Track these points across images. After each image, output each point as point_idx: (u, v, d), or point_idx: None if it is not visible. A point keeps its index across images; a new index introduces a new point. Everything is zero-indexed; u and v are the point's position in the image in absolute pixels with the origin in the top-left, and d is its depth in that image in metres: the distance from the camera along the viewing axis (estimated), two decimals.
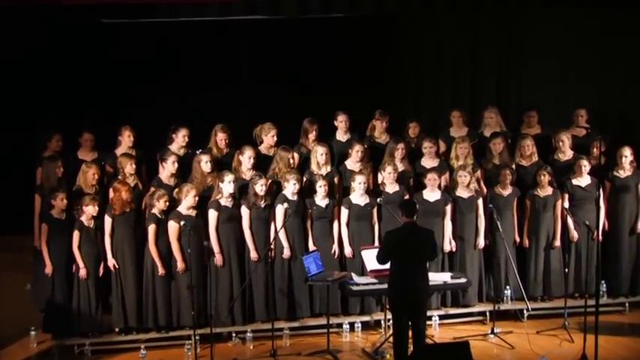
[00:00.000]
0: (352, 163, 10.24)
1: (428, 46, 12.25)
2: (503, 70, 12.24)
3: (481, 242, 10.18)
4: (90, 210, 9.48)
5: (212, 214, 9.67)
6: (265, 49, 11.61)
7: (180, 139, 10.12)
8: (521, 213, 10.33)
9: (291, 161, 10.02)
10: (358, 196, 9.95)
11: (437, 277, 9.25)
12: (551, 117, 11.27)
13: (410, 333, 8.35)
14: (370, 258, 9.11)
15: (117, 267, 9.50)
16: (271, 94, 11.50)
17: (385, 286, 8.62)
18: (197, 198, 9.56)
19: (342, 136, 10.53)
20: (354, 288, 9.18)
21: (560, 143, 10.56)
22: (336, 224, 9.96)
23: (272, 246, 9.66)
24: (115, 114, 10.86)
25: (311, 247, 9.85)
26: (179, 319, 9.63)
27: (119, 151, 10.12)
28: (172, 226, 9.51)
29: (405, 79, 12.26)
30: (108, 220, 9.50)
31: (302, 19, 10.94)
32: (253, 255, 9.73)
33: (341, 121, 10.47)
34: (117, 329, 9.56)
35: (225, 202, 9.69)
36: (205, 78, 11.39)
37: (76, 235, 9.45)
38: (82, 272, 9.46)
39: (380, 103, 10.94)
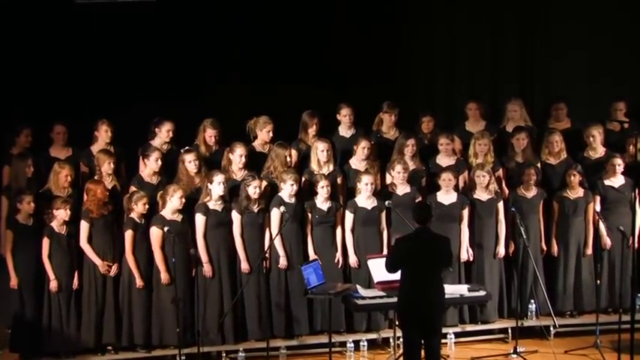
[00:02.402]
0: (357, 161, 10.17)
1: (442, 31, 12.19)
2: (528, 58, 12.18)
3: (502, 250, 10.12)
4: (61, 214, 9.37)
5: (200, 219, 9.60)
6: (259, 34, 11.50)
7: (163, 134, 10.07)
8: (547, 217, 10.27)
9: (289, 159, 9.94)
10: (364, 198, 9.87)
11: (453, 290, 9.14)
12: (581, 110, 11.24)
13: (422, 353, 8.25)
14: (377, 268, 9.04)
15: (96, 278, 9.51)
16: (266, 84, 11.35)
17: (394, 299, 8.53)
18: (184, 200, 9.49)
19: (345, 131, 10.48)
20: (360, 302, 9.10)
21: (591, 139, 10.50)
22: (339, 230, 9.93)
23: (267, 255, 9.56)
24: (90, 106, 10.69)
25: (311, 255, 9.79)
26: (162, 337, 9.54)
27: (95, 148, 10.02)
28: (155, 233, 9.45)
29: (416, 68, 12.13)
30: (85, 226, 9.43)
31: None
32: (244, 266, 9.68)
33: (344, 115, 10.43)
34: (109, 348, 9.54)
35: (215, 205, 9.64)
36: (192, 66, 11.24)
37: (45, 242, 9.36)
38: (53, 285, 9.37)
39: (388, 95, 10.86)
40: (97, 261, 9.41)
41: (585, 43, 11.99)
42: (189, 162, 9.73)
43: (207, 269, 9.57)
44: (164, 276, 9.40)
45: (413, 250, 8.20)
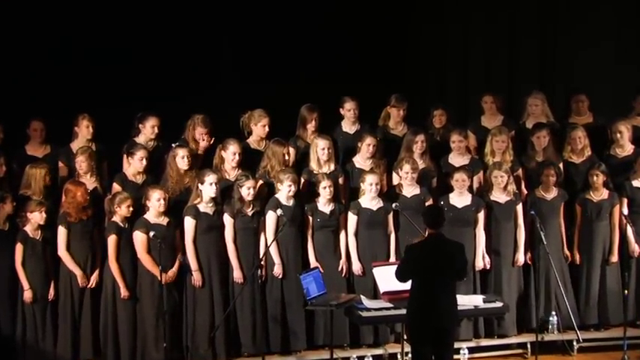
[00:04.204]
0: (362, 159, 10.08)
1: (456, 17, 12.16)
2: (549, 48, 12.13)
3: (521, 257, 10.01)
4: (36, 217, 9.25)
5: (189, 223, 9.49)
6: (254, 21, 11.46)
7: (148, 130, 9.99)
8: (570, 221, 10.20)
9: (286, 157, 9.86)
10: (369, 199, 9.77)
11: (467, 301, 9.03)
12: (604, 103, 11.18)
13: None
14: (384, 277, 8.94)
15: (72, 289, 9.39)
16: (262, 75, 11.36)
17: (402, 311, 8.44)
18: (162, 201, 9.39)
19: (349, 126, 10.42)
20: (364, 314, 8.95)
21: (618, 135, 10.37)
22: (342, 235, 9.83)
23: (262, 262, 9.46)
24: (70, 100, 10.63)
25: (312, 262, 9.68)
26: (146, 352, 9.45)
27: (75, 145, 9.93)
28: (139, 238, 9.36)
29: (426, 58, 12.14)
30: (62, 232, 9.33)
31: None
32: (236, 275, 9.55)
33: (348, 109, 10.36)
34: None
35: (206, 207, 9.53)
36: (180, 55, 11.23)
37: (19, 249, 9.27)
38: (27, 295, 9.28)
39: (395, 87, 10.78)
40: (77, 271, 9.31)
41: (609, 33, 11.98)
42: (182, 157, 9.63)
43: (196, 278, 9.43)
44: (164, 278, 9.18)
45: (425, 258, 8.08)
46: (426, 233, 8.28)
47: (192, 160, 9.68)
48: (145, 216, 9.34)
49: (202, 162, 9.84)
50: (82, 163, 9.56)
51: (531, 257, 9.99)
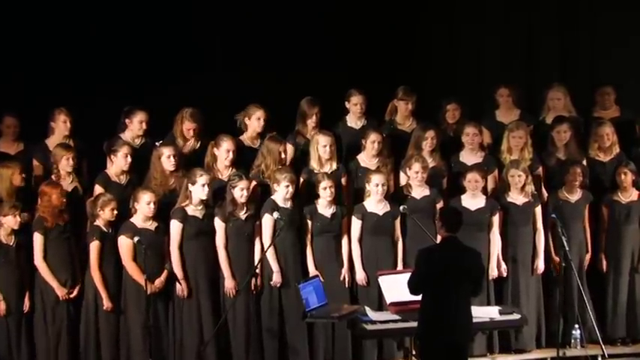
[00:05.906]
0: (367, 158, 9.96)
1: (469, 3, 11.99)
2: (571, 37, 11.98)
3: (541, 265, 9.87)
4: (9, 222, 9.13)
5: (175, 227, 9.37)
6: (252, 6, 11.32)
7: (135, 126, 9.87)
8: (595, 225, 10.09)
9: (283, 155, 9.74)
10: (374, 202, 9.63)
11: (481, 313, 8.73)
12: (632, 95, 11.09)
13: None
14: (390, 286, 8.78)
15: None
16: (260, 67, 11.24)
17: (410, 324, 8.28)
18: (152, 205, 9.26)
19: (355, 121, 10.35)
20: (369, 327, 8.72)
21: None
22: (345, 240, 9.72)
23: (257, 271, 9.31)
24: (47, 93, 10.55)
25: (311, 271, 9.56)
26: None
27: (52, 142, 9.83)
28: (124, 243, 9.22)
29: (437, 47, 11.94)
30: (38, 239, 9.21)
31: None
32: (229, 284, 9.38)
33: (355, 104, 10.27)
34: None
35: (194, 210, 9.40)
36: (170, 45, 11.11)
37: None
38: (0, 307, 9.16)
39: (403, 79, 10.69)
40: (54, 283, 9.19)
41: (636, 24, 11.78)
42: (168, 157, 9.54)
43: (183, 287, 9.31)
44: (151, 287, 9.07)
45: (439, 264, 7.89)
46: (439, 237, 8.17)
47: (179, 160, 9.56)
48: (132, 220, 9.23)
49: (187, 162, 9.66)
50: (68, 161, 9.40)
51: (556, 265, 9.80)
